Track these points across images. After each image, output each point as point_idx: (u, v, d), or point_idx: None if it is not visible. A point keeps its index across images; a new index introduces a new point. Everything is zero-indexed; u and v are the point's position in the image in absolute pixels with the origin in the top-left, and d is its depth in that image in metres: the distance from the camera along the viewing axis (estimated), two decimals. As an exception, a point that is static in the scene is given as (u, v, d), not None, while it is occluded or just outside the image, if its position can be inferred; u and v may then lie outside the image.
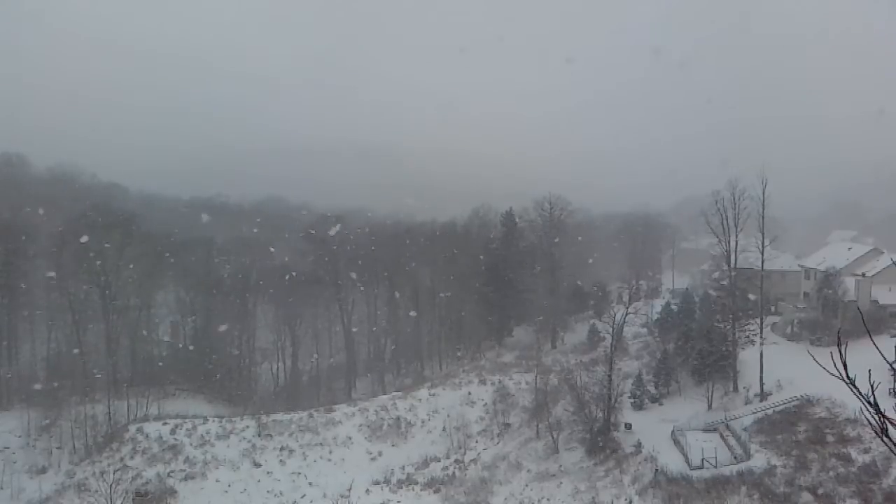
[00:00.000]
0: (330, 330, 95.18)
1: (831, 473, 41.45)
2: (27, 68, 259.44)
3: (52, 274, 76.60)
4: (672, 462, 48.10)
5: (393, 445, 63.46)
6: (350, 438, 63.49)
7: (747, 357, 60.89)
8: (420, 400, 70.08)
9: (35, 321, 79.40)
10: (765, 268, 62.30)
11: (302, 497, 54.96)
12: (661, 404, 62.20)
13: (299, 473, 58.21)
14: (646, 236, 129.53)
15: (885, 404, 5.23)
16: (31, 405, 63.13)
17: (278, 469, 58.54)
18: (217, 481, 55.86)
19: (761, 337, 59.11)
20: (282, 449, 60.80)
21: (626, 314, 66.32)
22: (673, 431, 53.63)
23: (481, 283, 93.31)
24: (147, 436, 59.67)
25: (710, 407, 57.32)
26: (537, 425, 61.89)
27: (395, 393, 74.60)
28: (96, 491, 49.53)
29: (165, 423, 61.75)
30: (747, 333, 64.24)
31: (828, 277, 68.46)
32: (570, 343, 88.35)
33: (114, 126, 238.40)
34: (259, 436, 61.98)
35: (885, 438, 5.11)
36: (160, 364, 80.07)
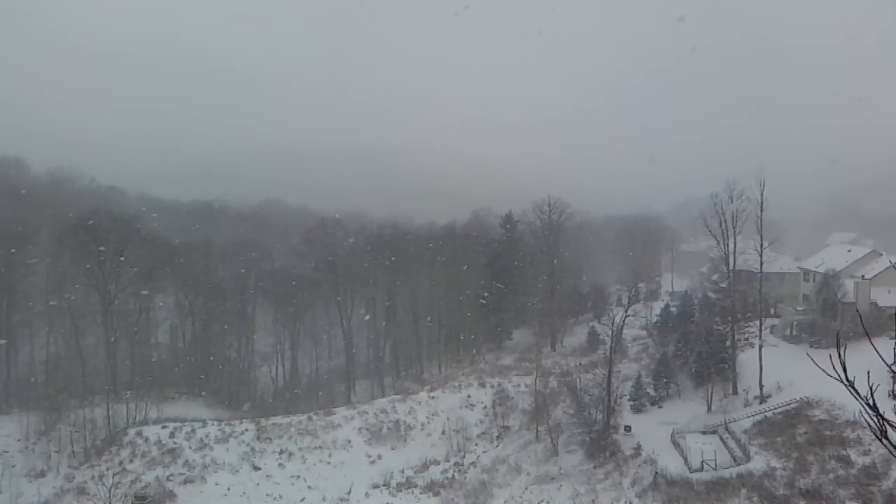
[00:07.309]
0: (329, 333, 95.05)
1: (831, 475, 41.45)
2: (26, 72, 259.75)
3: (51, 277, 76.58)
4: (672, 464, 48.09)
5: (392, 448, 63.35)
6: (349, 441, 63.38)
7: (746, 359, 60.89)
8: (419, 403, 69.98)
9: (34, 325, 79.29)
10: (764, 270, 62.37)
11: (301, 500, 54.85)
12: (660, 407, 62.19)
13: (298, 476, 58.10)
14: (645, 239, 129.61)
15: (885, 406, 5.24)
16: (30, 409, 62.98)
17: (277, 472, 58.42)
18: (216, 485, 55.73)
19: (760, 339, 59.09)
20: (281, 452, 60.69)
21: (626, 316, 66.24)
22: (672, 434, 53.62)
23: (481, 286, 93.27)
24: (146, 439, 59.55)
25: (709, 409, 57.31)
26: (537, 428, 61.86)
27: (394, 396, 74.48)
28: (95, 494, 49.49)
29: (164, 427, 61.61)
30: (746, 335, 64.26)
31: (827, 279, 68.45)
32: (570, 345, 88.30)
33: (113, 129, 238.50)
34: (258, 439, 61.87)
35: (884, 440, 5.12)
36: (159, 367, 79.97)
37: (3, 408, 67.93)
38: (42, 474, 55.64)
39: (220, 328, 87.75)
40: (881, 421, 5.05)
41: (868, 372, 5.22)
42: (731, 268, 63.84)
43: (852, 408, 42.95)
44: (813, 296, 72.49)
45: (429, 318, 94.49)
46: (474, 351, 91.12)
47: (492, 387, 72.53)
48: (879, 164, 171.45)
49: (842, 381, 5.14)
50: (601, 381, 58.08)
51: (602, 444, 54.41)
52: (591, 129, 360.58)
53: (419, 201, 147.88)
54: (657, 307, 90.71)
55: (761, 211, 58.96)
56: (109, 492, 48.12)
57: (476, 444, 63.85)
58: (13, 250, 74.77)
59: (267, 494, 55.47)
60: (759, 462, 45.28)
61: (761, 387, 56.19)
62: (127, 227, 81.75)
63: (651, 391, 63.30)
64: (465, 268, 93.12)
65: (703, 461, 46.85)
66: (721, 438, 51.46)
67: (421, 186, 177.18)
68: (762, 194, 58.19)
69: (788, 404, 51.47)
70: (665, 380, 63.72)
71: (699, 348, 62.23)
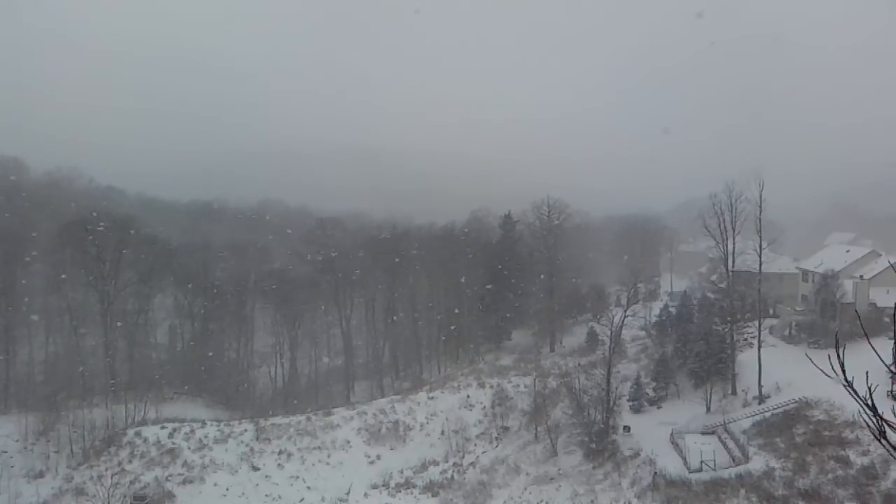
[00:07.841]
0: (328, 333, 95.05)
1: (830, 476, 41.43)
2: (26, 72, 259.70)
3: (50, 277, 76.46)
4: (671, 465, 48.08)
5: (391, 449, 63.33)
6: (348, 442, 63.35)
7: (746, 359, 60.90)
8: (418, 403, 69.96)
9: (33, 325, 79.20)
10: (763, 270, 62.33)
11: (300, 501, 54.79)
12: (659, 407, 62.17)
13: (297, 477, 58.05)
14: (644, 239, 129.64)
15: (883, 406, 5.22)
16: (28, 409, 62.93)
17: (276, 473, 58.37)
18: (215, 485, 55.69)
19: (759, 339, 59.08)
20: (280, 452, 60.66)
21: (625, 317, 66.14)
22: (671, 434, 53.60)
23: (480, 287, 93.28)
24: (145, 440, 59.50)
25: (708, 409, 57.29)
26: (536, 428, 61.84)
27: (393, 396, 74.47)
28: (94, 495, 49.44)
29: (163, 427, 61.56)
30: (745, 336, 64.25)
31: (826, 280, 68.43)
32: (569, 346, 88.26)
33: (113, 129, 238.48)
34: (257, 439, 61.83)
35: (883, 441, 5.11)
36: (158, 368, 79.89)
37: (1, 408, 67.87)
38: (41, 475, 55.59)
39: (219, 328, 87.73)
40: (880, 421, 5.04)
41: (867, 372, 5.21)
42: (730, 268, 63.85)
43: (851, 408, 42.94)
44: (812, 296, 72.50)
45: (423, 320, 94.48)
46: (473, 351, 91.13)
47: (491, 387, 72.52)
48: (879, 164, 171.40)
49: (841, 382, 5.13)
50: (600, 382, 58.06)
51: (601, 445, 54.37)
52: (592, 129, 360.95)
53: (419, 201, 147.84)
54: (656, 307, 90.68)
55: (760, 211, 59.01)
56: (108, 492, 48.08)
57: (475, 445, 63.81)
58: (12, 250, 74.66)
59: (266, 495, 55.42)
60: (758, 462, 45.27)
61: (760, 387, 56.19)
62: (126, 227, 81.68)
63: (650, 391, 63.28)
64: (464, 269, 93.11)
65: (702, 461, 46.83)
66: (720, 439, 51.44)
67: (421, 186, 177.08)
68: (761, 195, 58.31)
69: (787, 405, 51.45)
70: (664, 380, 63.69)
71: (698, 349, 62.22)
